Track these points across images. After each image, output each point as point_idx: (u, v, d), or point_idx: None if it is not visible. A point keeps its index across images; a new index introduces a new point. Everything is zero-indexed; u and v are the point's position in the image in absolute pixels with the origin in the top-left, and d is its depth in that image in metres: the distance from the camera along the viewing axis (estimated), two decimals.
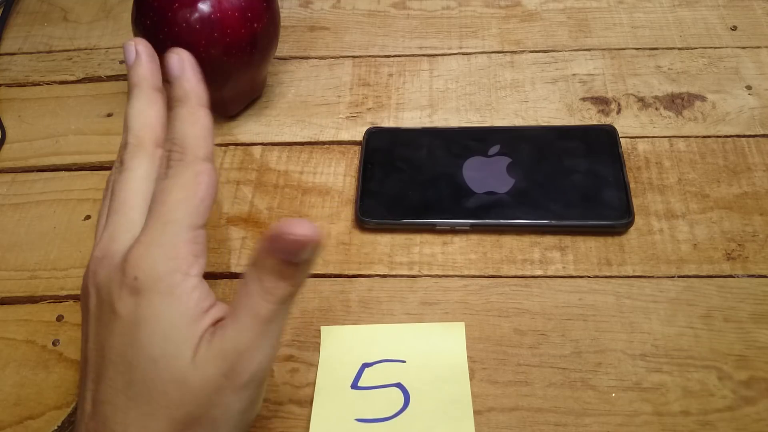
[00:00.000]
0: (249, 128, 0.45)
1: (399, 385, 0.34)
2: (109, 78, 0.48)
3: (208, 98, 0.29)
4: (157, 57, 0.31)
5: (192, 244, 0.26)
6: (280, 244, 0.25)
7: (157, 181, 0.28)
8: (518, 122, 0.43)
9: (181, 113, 0.28)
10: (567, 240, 0.38)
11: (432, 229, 0.39)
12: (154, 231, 0.26)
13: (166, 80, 0.29)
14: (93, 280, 0.27)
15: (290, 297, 0.26)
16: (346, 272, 0.38)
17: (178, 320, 0.25)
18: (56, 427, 0.34)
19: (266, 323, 0.26)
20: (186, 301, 0.25)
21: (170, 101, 0.29)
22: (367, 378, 0.34)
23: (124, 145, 0.29)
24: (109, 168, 0.43)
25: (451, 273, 0.38)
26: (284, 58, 0.48)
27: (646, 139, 0.42)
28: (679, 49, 0.46)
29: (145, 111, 0.29)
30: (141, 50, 0.30)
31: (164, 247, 0.25)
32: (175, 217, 0.26)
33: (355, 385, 0.34)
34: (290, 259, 0.25)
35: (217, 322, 0.26)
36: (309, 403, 0.33)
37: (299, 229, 0.24)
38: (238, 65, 0.40)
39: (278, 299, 0.26)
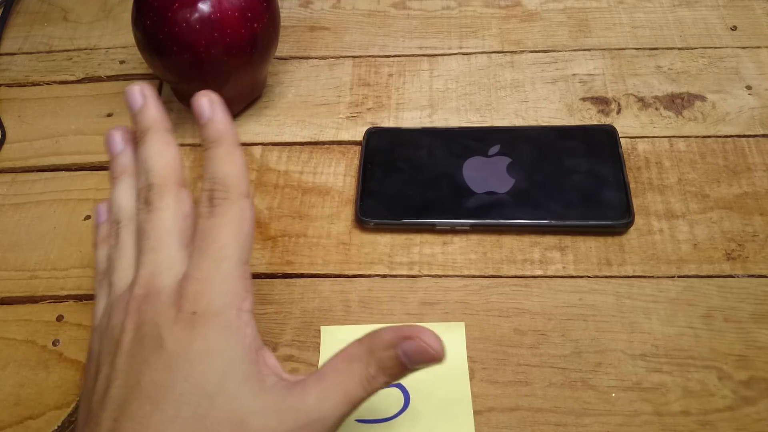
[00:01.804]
0: (249, 128, 0.45)
1: (399, 386, 0.34)
2: (109, 78, 0.48)
3: (238, 136, 0.30)
4: (159, 99, 0.31)
5: (243, 280, 0.27)
6: (411, 346, 0.25)
7: (199, 218, 0.28)
8: (518, 122, 0.43)
9: (219, 153, 0.29)
10: (567, 240, 0.38)
11: (432, 229, 0.39)
12: (207, 268, 0.26)
13: (198, 122, 0.30)
14: (134, 317, 0.26)
15: (380, 389, 0.26)
16: (346, 272, 0.38)
17: (236, 357, 0.25)
18: (56, 427, 0.34)
19: (353, 406, 0.26)
20: (243, 337, 0.25)
21: (204, 142, 0.29)
22: None
23: (147, 187, 0.29)
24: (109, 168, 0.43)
25: (451, 273, 0.38)
26: (284, 58, 0.48)
27: (646, 139, 0.42)
28: (679, 49, 0.46)
29: (165, 153, 0.30)
30: (148, 93, 0.31)
31: (221, 284, 0.26)
32: (227, 253, 0.26)
33: None
34: (409, 364, 0.26)
35: (270, 368, 0.26)
36: None
37: (433, 342, 0.25)
38: (238, 65, 0.40)
39: (373, 390, 0.26)
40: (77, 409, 0.35)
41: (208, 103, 0.30)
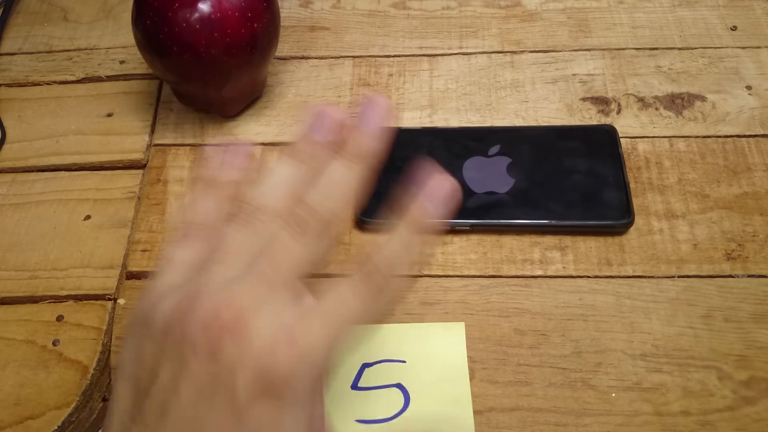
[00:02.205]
0: (249, 128, 0.45)
1: (399, 386, 0.34)
2: (109, 78, 0.48)
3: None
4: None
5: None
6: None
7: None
8: (518, 122, 0.43)
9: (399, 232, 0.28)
10: (567, 240, 0.38)
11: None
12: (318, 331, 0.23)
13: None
14: (206, 347, 0.21)
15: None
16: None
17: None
18: (56, 427, 0.34)
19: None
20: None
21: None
22: (367, 378, 0.34)
23: (308, 212, 0.25)
24: (109, 168, 0.44)
25: (451, 273, 0.38)
26: (284, 58, 0.48)
27: (646, 139, 0.42)
28: (679, 49, 0.46)
29: (299, 180, 0.26)
30: (334, 125, 0.28)
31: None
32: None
33: (355, 386, 0.34)
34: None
35: None
36: None
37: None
38: (238, 65, 0.40)
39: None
40: (77, 409, 0.35)
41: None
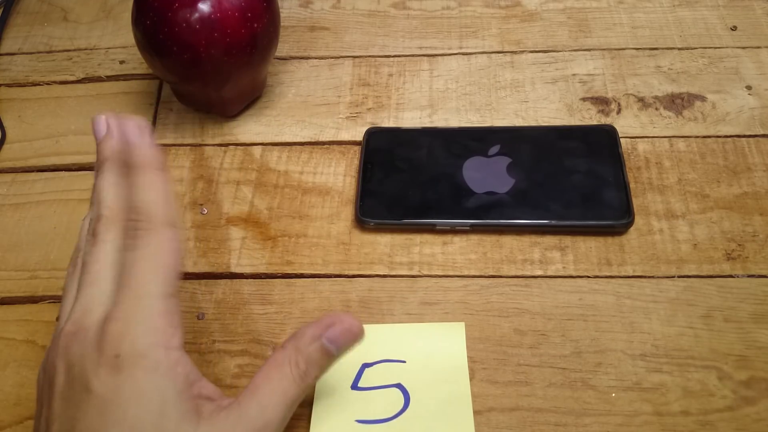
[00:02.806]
0: (249, 128, 0.45)
1: (399, 386, 0.34)
2: (109, 78, 0.48)
3: (165, 162, 0.28)
4: (127, 131, 0.29)
5: (168, 315, 0.25)
6: (333, 333, 0.28)
7: (123, 251, 0.26)
8: (518, 122, 0.43)
9: (141, 181, 0.27)
10: (567, 240, 0.38)
11: (432, 229, 0.39)
12: (128, 306, 0.25)
13: (124, 148, 0.28)
14: (64, 357, 0.25)
15: (313, 383, 0.28)
16: (346, 272, 0.38)
17: (170, 398, 0.24)
18: None
19: (293, 405, 0.27)
20: (174, 376, 0.25)
21: (128, 169, 0.28)
22: (367, 378, 0.34)
23: (98, 218, 0.27)
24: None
25: (451, 273, 0.38)
26: (284, 58, 0.48)
27: (646, 139, 0.42)
28: (679, 49, 0.46)
29: (119, 184, 0.28)
30: (113, 124, 0.29)
31: (143, 323, 0.25)
32: (148, 289, 0.25)
33: (355, 386, 0.34)
34: (335, 351, 0.28)
35: (208, 398, 0.27)
36: (309, 403, 0.33)
37: (351, 321, 0.28)
38: (238, 65, 0.40)
39: (308, 386, 0.28)
40: None
41: (136, 127, 0.28)
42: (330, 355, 0.28)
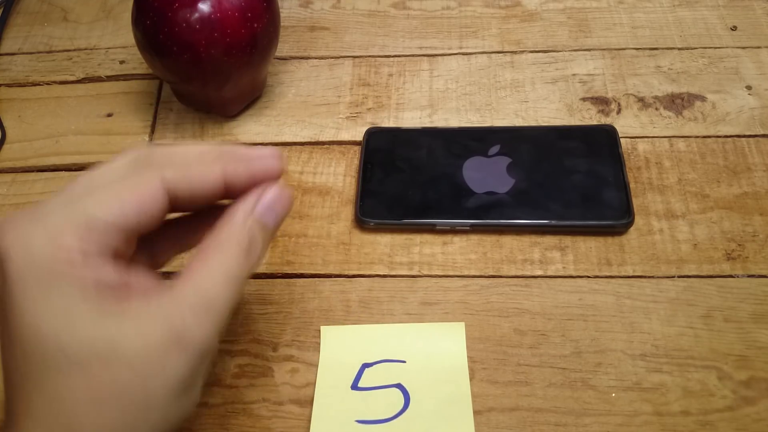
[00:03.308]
0: (249, 128, 0.45)
1: (399, 386, 0.34)
2: (109, 78, 0.48)
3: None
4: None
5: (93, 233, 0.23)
6: (264, 206, 0.26)
7: None
8: (518, 122, 0.43)
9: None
10: (567, 240, 0.38)
11: (432, 229, 0.39)
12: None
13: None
14: None
15: (258, 261, 0.27)
16: (346, 272, 0.38)
17: (73, 296, 0.23)
18: None
19: (238, 285, 0.25)
20: (73, 278, 0.23)
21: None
22: (368, 378, 0.34)
23: None
24: None
25: (451, 273, 0.38)
26: (284, 58, 0.48)
27: (646, 139, 0.42)
28: (679, 49, 0.46)
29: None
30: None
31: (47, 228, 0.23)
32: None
33: (355, 386, 0.34)
34: (271, 222, 0.27)
35: (140, 291, 0.25)
36: (309, 403, 0.34)
37: (276, 190, 0.27)
38: (238, 65, 0.40)
39: (253, 263, 0.26)
40: None
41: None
42: (267, 228, 0.27)
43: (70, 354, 0.22)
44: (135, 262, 0.26)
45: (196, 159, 0.26)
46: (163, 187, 0.25)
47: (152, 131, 0.45)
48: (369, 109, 0.45)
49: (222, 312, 0.24)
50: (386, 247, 0.39)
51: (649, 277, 0.37)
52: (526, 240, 0.38)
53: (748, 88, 0.44)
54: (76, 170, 0.44)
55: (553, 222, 0.38)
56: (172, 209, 0.26)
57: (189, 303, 0.24)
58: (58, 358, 0.22)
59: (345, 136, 0.44)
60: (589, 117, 0.43)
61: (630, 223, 0.38)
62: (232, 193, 0.27)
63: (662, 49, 0.46)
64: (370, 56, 0.48)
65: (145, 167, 0.25)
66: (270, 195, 0.27)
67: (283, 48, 0.48)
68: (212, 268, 0.25)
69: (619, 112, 0.43)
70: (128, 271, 0.25)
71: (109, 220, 0.24)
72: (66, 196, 0.24)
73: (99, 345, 0.22)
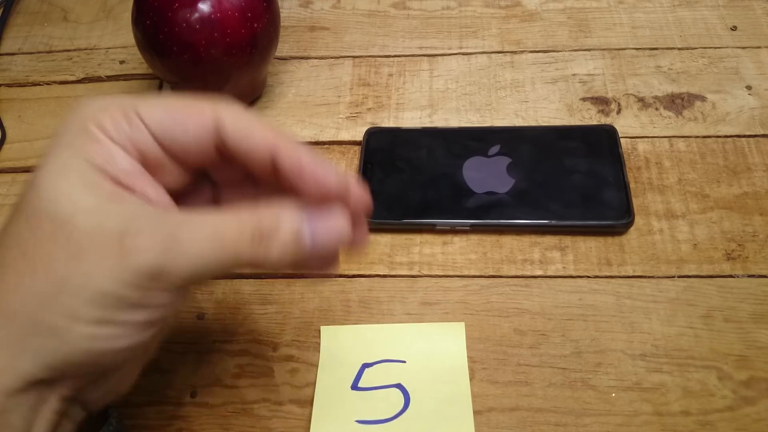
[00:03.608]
0: None
1: (399, 386, 0.34)
2: (109, 78, 0.48)
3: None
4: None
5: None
6: (320, 227, 0.23)
7: None
8: (518, 122, 0.43)
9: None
10: (567, 240, 0.38)
11: (432, 229, 0.39)
12: None
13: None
14: None
15: (263, 266, 0.24)
16: (346, 272, 0.38)
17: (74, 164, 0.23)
18: None
19: (224, 266, 0.23)
20: (84, 150, 0.23)
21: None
22: (368, 378, 0.34)
23: None
24: None
25: (451, 273, 0.38)
26: (284, 58, 0.48)
27: (646, 139, 0.42)
28: (679, 49, 0.46)
29: None
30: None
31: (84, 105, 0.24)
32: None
33: (355, 386, 0.34)
34: (308, 245, 0.23)
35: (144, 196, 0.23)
36: (309, 403, 0.34)
37: (340, 220, 0.24)
38: (238, 65, 0.40)
39: (257, 261, 0.23)
40: None
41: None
42: (302, 249, 0.23)
43: (43, 211, 0.22)
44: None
45: (259, 124, 0.24)
46: (215, 122, 0.23)
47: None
48: (369, 109, 0.45)
49: (185, 265, 0.22)
50: (386, 247, 0.39)
51: (649, 277, 0.37)
52: (526, 240, 0.38)
53: (748, 88, 0.44)
54: None
55: (553, 222, 0.38)
56: (221, 155, 0.24)
57: (161, 227, 0.22)
58: (38, 214, 0.22)
59: (345, 136, 0.44)
60: (589, 117, 0.43)
61: (630, 223, 0.38)
62: (283, 180, 0.24)
63: (662, 49, 0.46)
64: (370, 56, 0.48)
65: (208, 103, 0.24)
66: (332, 223, 0.24)
67: (283, 48, 0.48)
68: (215, 227, 0.23)
69: (619, 112, 0.43)
70: (145, 180, 0.24)
71: (146, 119, 0.23)
72: (109, 101, 0.24)
73: (60, 210, 0.22)
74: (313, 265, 0.25)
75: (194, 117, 0.24)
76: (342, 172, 0.24)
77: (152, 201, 0.24)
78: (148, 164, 0.24)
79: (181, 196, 0.26)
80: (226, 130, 0.24)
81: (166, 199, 0.25)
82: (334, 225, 0.24)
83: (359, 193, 0.25)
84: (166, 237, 0.22)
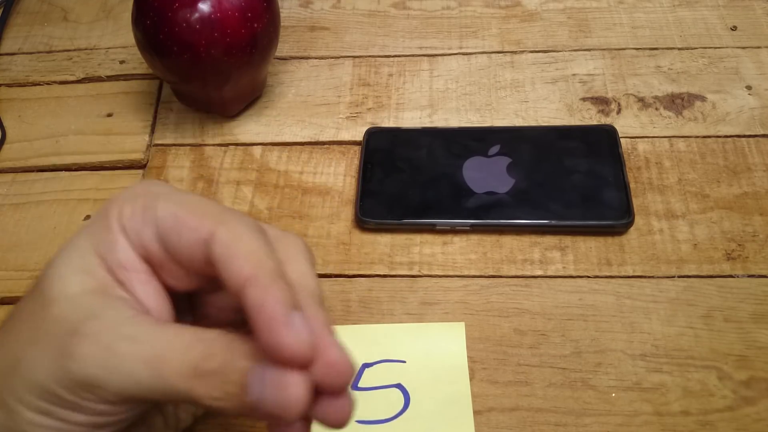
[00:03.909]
0: (249, 128, 0.45)
1: (399, 386, 0.34)
2: (109, 78, 0.48)
3: None
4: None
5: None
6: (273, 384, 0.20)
7: None
8: (518, 122, 0.43)
9: None
10: (567, 240, 0.38)
11: (432, 229, 0.39)
12: None
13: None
14: None
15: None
16: (346, 272, 0.38)
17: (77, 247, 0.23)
18: None
19: (143, 397, 0.21)
20: (91, 235, 0.23)
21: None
22: (368, 378, 0.34)
23: None
24: (109, 168, 0.44)
25: (451, 273, 0.38)
26: (284, 58, 0.48)
27: (646, 139, 0.42)
28: (679, 49, 0.46)
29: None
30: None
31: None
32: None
33: (355, 386, 0.34)
34: (255, 399, 0.20)
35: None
36: None
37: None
38: (238, 65, 0.40)
39: (215, 403, 0.20)
40: None
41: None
42: (243, 400, 0.20)
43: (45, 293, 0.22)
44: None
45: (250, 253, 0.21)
46: (209, 235, 0.21)
47: (152, 131, 0.45)
48: (369, 109, 0.45)
49: (117, 383, 0.21)
50: (386, 247, 0.39)
51: (649, 277, 0.37)
52: (526, 240, 0.38)
53: (748, 88, 0.44)
54: (76, 170, 0.44)
55: (553, 222, 0.38)
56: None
57: (107, 336, 0.21)
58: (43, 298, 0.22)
59: (345, 136, 0.44)
60: (589, 117, 0.43)
61: (630, 223, 0.38)
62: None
63: (662, 49, 0.46)
64: (370, 56, 0.48)
65: (217, 212, 0.22)
66: (287, 379, 0.19)
67: (283, 48, 0.48)
68: (156, 349, 0.21)
69: (619, 112, 0.43)
70: (139, 277, 0.23)
71: (160, 213, 0.22)
72: (147, 186, 0.23)
73: (50, 291, 0.22)
74: (265, 419, 0.21)
75: (192, 223, 0.22)
76: (314, 332, 0.20)
77: (138, 300, 0.23)
78: (152, 261, 0.23)
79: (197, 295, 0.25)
80: (214, 250, 0.21)
81: (156, 301, 0.23)
82: (287, 388, 0.19)
83: (334, 360, 0.20)
84: (105, 348, 0.21)
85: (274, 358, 0.19)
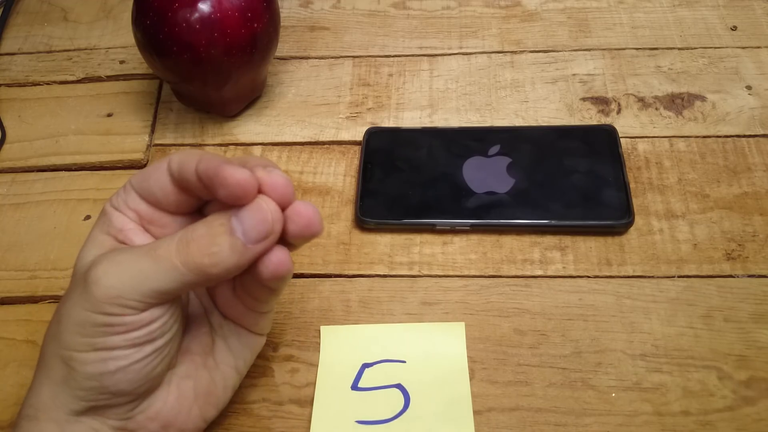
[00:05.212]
0: (249, 128, 0.45)
1: (399, 386, 0.34)
2: (109, 78, 0.48)
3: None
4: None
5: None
6: (249, 220, 0.25)
7: None
8: (518, 122, 0.43)
9: None
10: (567, 240, 0.38)
11: (432, 229, 0.39)
12: None
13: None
14: None
15: (203, 280, 0.26)
16: (346, 272, 0.38)
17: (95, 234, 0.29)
18: None
19: (150, 296, 0.25)
20: (103, 223, 0.29)
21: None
22: (368, 379, 0.34)
23: None
24: (109, 168, 0.44)
25: (451, 273, 0.38)
26: (284, 58, 0.48)
27: (646, 139, 0.42)
28: (679, 49, 0.46)
29: None
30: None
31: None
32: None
33: (355, 386, 0.34)
34: (242, 241, 0.25)
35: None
36: (309, 403, 0.34)
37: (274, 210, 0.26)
38: (238, 65, 0.40)
39: (185, 274, 0.25)
40: None
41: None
42: (236, 241, 0.25)
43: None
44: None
45: (196, 155, 0.27)
46: (167, 165, 0.27)
47: (152, 131, 0.45)
48: (369, 109, 0.45)
49: (130, 284, 0.25)
50: (386, 247, 0.39)
51: (649, 277, 0.37)
52: (526, 240, 0.38)
53: (748, 88, 0.44)
54: (76, 170, 0.44)
55: (553, 222, 0.38)
56: (181, 189, 0.28)
57: (111, 256, 0.26)
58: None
59: (345, 136, 0.44)
60: (589, 117, 0.43)
61: (630, 223, 0.38)
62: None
63: (662, 49, 0.46)
64: (370, 56, 0.48)
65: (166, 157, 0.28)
66: (254, 206, 0.25)
67: (283, 48, 0.48)
68: (149, 246, 0.26)
69: (619, 112, 0.43)
70: (134, 233, 0.28)
71: (134, 184, 0.28)
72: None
73: (79, 268, 0.27)
74: (264, 273, 0.26)
75: (154, 168, 0.28)
76: (253, 168, 0.26)
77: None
78: (143, 219, 0.29)
79: None
80: (172, 167, 0.27)
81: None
82: (257, 208, 0.25)
83: (275, 181, 0.26)
84: (115, 264, 0.25)
85: (229, 193, 0.25)
